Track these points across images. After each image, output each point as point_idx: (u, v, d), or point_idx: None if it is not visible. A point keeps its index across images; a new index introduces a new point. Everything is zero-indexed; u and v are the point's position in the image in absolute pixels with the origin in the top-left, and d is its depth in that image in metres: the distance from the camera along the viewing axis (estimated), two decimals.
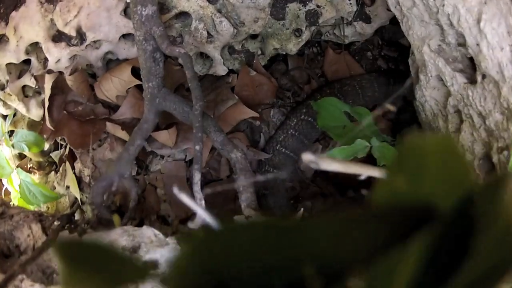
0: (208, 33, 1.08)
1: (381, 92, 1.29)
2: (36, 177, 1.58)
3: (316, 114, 1.05)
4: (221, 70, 1.14)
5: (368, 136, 1.01)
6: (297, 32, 1.16)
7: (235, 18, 1.08)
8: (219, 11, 1.07)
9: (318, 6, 1.18)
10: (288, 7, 1.14)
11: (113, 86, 1.13)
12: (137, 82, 1.08)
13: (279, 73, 1.29)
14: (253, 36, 1.18)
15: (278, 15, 1.12)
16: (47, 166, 1.59)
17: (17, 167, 1.60)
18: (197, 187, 0.86)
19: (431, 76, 1.04)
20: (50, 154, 1.54)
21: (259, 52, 1.21)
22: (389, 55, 1.38)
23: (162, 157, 1.20)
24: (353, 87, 1.25)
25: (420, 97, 1.10)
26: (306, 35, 1.16)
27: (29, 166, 1.62)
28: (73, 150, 1.28)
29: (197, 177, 0.86)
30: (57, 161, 1.53)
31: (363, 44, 1.36)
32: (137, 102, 1.09)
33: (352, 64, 1.31)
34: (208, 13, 1.07)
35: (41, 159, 1.57)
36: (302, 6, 1.17)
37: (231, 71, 1.20)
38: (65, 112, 1.29)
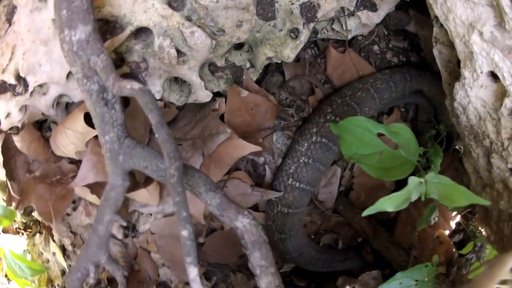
0: (178, 50, 0.66)
1: (398, 92, 0.88)
2: (23, 238, 1.17)
3: (337, 138, 0.64)
4: (204, 95, 0.72)
5: (411, 162, 0.61)
6: (293, 32, 0.74)
7: (211, 26, 0.66)
8: (188, 19, 0.65)
9: None
10: (277, 2, 0.72)
11: (69, 141, 0.72)
12: (95, 132, 0.66)
13: (275, 87, 0.87)
14: (238, 46, 0.77)
15: (266, 14, 0.70)
16: (32, 225, 1.18)
17: (3, 230, 1.20)
18: (196, 285, 0.46)
19: (481, 72, 0.64)
20: (33, 214, 1.13)
21: (248, 64, 0.79)
22: (398, 46, 0.96)
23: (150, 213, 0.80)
24: (367, 92, 0.84)
25: (462, 98, 0.69)
26: (304, 35, 0.75)
27: (14, 227, 1.21)
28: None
29: (193, 273, 0.46)
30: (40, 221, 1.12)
31: (367, 37, 0.94)
32: (100, 160, 0.68)
33: (359, 63, 0.90)
34: (173, 24, 0.65)
35: (24, 220, 1.16)
36: None
37: (216, 95, 0.79)
38: (28, 174, 0.87)
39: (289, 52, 0.74)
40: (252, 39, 0.73)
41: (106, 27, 0.69)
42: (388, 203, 0.52)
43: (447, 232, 1.06)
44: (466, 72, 0.66)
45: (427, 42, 1.00)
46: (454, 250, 1.02)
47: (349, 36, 0.89)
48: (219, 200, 0.54)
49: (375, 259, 0.97)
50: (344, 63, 0.89)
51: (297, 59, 0.91)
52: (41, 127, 0.87)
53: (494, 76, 0.66)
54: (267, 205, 0.79)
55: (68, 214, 0.86)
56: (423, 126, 0.96)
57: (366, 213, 0.52)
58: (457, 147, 1.06)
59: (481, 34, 0.61)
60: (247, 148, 0.69)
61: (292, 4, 0.74)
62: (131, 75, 0.73)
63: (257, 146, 0.70)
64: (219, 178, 0.71)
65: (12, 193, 0.87)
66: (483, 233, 0.89)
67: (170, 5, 0.66)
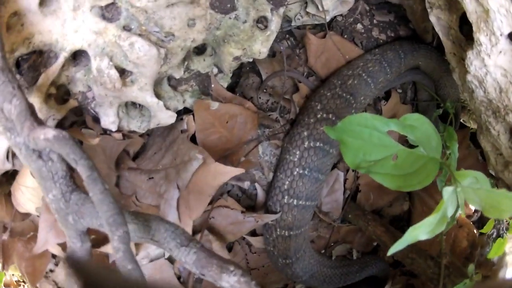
0: (121, 69, 0.49)
1: (394, 72, 0.72)
2: None
3: (336, 144, 0.48)
4: (166, 117, 0.56)
5: (435, 160, 0.45)
6: (261, 22, 0.57)
7: (156, 32, 0.49)
8: (127, 28, 0.48)
9: None
10: None
11: (26, 198, 0.56)
12: None
13: (252, 90, 0.71)
14: (200, 51, 0.60)
15: (224, 6, 0.53)
16: None
17: (4, 284, 1.06)
18: None
19: (500, 34, 0.48)
20: None
21: (215, 70, 0.62)
22: (384, 20, 0.80)
23: None
24: (359, 78, 0.68)
25: (477, 69, 0.53)
26: (275, 23, 0.58)
27: (14, 280, 1.07)
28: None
29: None
30: None
31: (347, 16, 0.78)
32: None
33: (344, 46, 0.74)
34: (110, 38, 0.48)
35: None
36: None
37: (185, 112, 0.63)
38: (3, 235, 0.72)
39: (260, 47, 0.58)
40: (213, 39, 0.56)
41: (40, 59, 0.52)
42: (422, 231, 0.37)
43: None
44: (481, 37, 0.50)
45: (414, 11, 0.83)
46: (475, 231, 0.89)
47: (328, 18, 0.72)
48: (195, 256, 0.38)
49: (394, 258, 0.82)
50: (327, 49, 0.72)
51: (272, 53, 0.75)
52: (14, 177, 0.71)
53: None
54: (264, 229, 0.64)
55: (51, 271, 0.71)
56: (425, 106, 0.80)
57: (392, 251, 0.36)
58: (462, 120, 0.91)
59: None
60: (227, 172, 0.54)
61: None
62: (79, 108, 0.57)
63: (238, 168, 0.54)
64: (202, 211, 0.56)
65: None
66: None
67: (103, 17, 0.49)
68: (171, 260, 0.64)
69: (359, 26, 0.77)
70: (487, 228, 0.91)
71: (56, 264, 0.74)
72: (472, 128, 0.86)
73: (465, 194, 0.39)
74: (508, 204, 0.36)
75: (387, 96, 0.77)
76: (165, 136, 0.62)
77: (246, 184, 0.60)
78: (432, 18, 0.61)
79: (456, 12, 0.59)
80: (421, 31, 0.79)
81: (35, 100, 0.48)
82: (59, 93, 0.55)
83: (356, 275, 0.72)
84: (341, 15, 0.77)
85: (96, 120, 0.56)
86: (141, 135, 0.62)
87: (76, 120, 0.57)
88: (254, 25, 0.56)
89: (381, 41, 0.78)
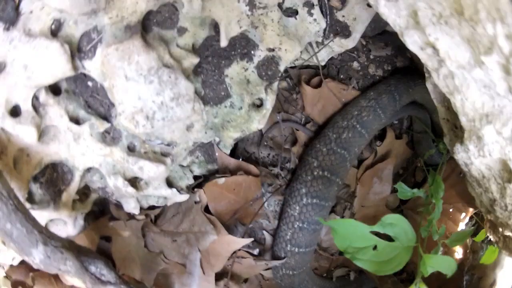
0: (135, 180, 0.58)
1: (388, 115, 0.76)
2: None
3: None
4: (181, 198, 0.65)
5: (409, 248, 0.56)
6: (259, 99, 0.62)
7: (159, 143, 0.56)
8: (131, 147, 0.55)
9: (271, 50, 0.62)
10: (227, 75, 0.59)
11: None
12: None
13: (253, 145, 0.78)
14: None
15: (217, 95, 0.58)
16: None
17: None
18: None
19: (489, 155, 0.52)
20: None
21: (217, 139, 0.69)
22: (381, 55, 0.81)
23: None
24: (353, 130, 0.73)
25: (463, 158, 0.57)
26: (270, 100, 0.63)
27: None
28: None
29: None
30: None
31: (343, 54, 0.79)
32: None
33: (340, 91, 0.77)
34: (118, 159, 0.55)
35: None
36: (248, 62, 0.61)
37: (196, 180, 0.72)
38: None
39: (257, 125, 0.64)
40: (212, 126, 0.62)
41: (55, 173, 0.58)
42: None
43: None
44: (470, 146, 0.54)
45: None
46: (467, 240, 0.99)
47: (322, 63, 0.75)
48: None
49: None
50: (323, 96, 0.77)
51: None
52: None
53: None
54: (272, 267, 0.78)
55: None
56: (420, 137, 0.86)
57: None
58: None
59: (500, 133, 0.48)
60: (238, 242, 0.66)
61: (246, 70, 0.61)
62: (104, 201, 0.65)
63: (248, 239, 0.66)
64: (221, 267, 0.69)
65: None
66: (492, 239, 0.84)
67: (105, 140, 0.55)
68: None
69: (355, 64, 0.79)
70: (480, 238, 1.00)
71: None
72: None
73: None
74: None
75: (384, 135, 0.83)
76: (180, 203, 0.73)
77: (256, 251, 0.72)
78: (429, 86, 0.63)
79: (459, 121, 0.61)
80: (418, 60, 0.81)
81: (64, 213, 0.57)
82: (81, 192, 0.62)
83: None
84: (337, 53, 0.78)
85: (119, 206, 0.66)
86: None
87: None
88: (251, 108, 0.62)
89: (378, 77, 0.80)
